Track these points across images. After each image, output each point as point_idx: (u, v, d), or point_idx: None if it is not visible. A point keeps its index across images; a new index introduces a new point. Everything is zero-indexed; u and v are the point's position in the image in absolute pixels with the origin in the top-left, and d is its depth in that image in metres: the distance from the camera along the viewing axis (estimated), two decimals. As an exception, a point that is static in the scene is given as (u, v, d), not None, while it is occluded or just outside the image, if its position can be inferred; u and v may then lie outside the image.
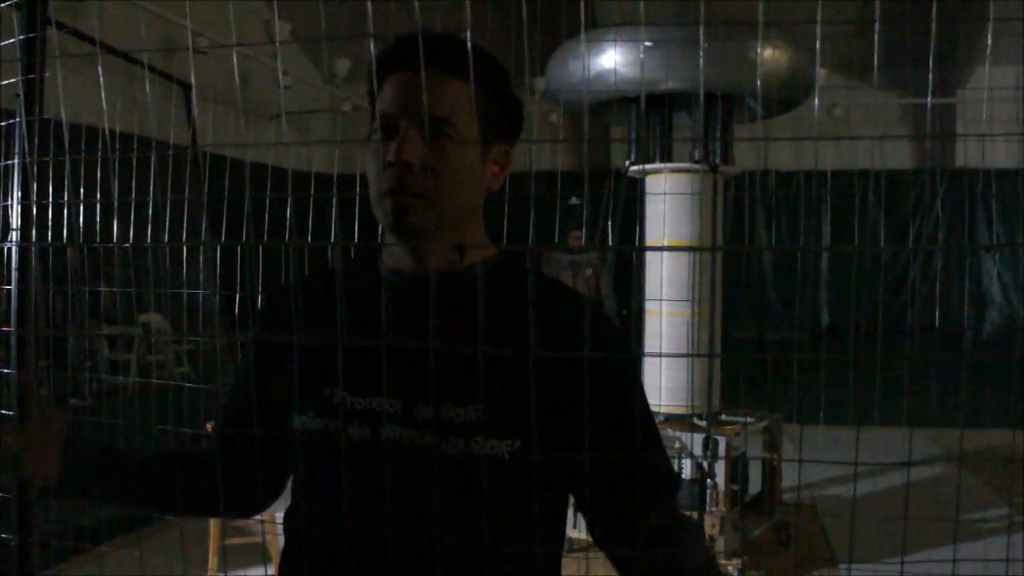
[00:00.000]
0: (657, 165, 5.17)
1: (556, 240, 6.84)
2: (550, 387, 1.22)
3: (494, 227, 1.38)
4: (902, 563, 1.01)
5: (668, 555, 1.26)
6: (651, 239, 5.21)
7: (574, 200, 7.02)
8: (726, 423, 5.05)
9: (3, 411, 1.45)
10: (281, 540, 1.41)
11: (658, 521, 1.29)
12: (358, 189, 1.33)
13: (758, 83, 4.48)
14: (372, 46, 1.24)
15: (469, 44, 1.18)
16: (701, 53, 4.45)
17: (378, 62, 1.28)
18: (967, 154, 12.96)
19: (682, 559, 1.28)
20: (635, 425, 1.25)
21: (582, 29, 5.10)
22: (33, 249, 1.64)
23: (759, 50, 4.75)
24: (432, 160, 1.23)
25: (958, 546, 4.59)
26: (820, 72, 5.67)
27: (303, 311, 1.33)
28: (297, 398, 1.32)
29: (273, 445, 1.33)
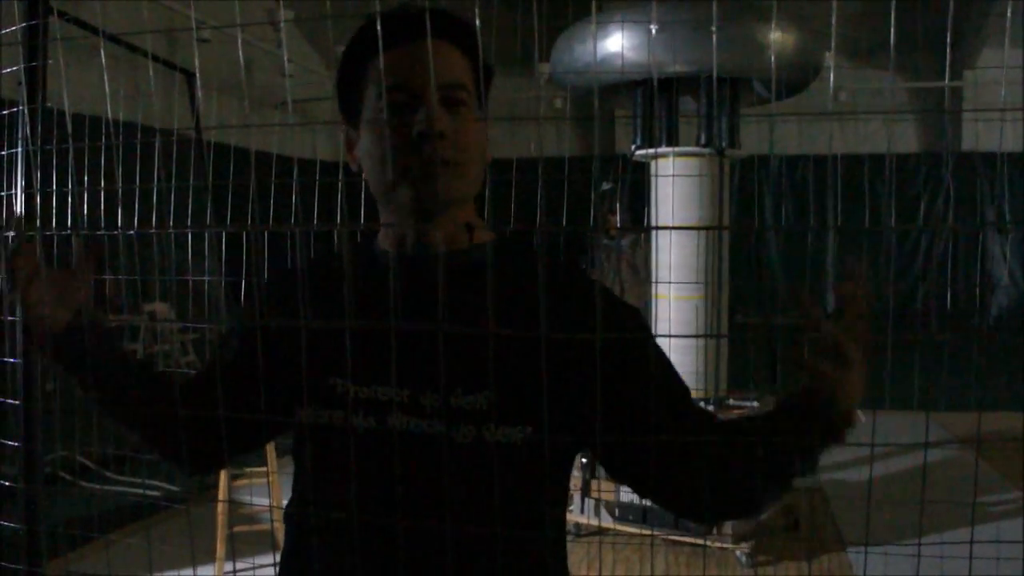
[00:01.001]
0: (664, 149, 5.15)
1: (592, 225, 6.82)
2: (562, 369, 1.19)
3: (503, 211, 1.36)
4: (919, 545, 1.00)
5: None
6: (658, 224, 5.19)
7: (606, 185, 6.96)
8: (733, 407, 5.05)
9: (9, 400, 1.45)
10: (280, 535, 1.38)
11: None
12: (362, 174, 1.31)
13: (772, 62, 4.45)
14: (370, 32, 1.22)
15: (476, 18, 1.18)
16: (714, 35, 4.42)
17: (364, 41, 1.23)
18: (978, 136, 12.90)
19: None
20: (654, 382, 1.22)
21: (593, 10, 5.06)
22: (37, 238, 1.63)
23: (773, 32, 4.73)
24: (456, 129, 1.20)
25: (978, 528, 4.58)
26: (827, 56, 5.63)
27: (303, 299, 1.30)
28: (296, 388, 1.27)
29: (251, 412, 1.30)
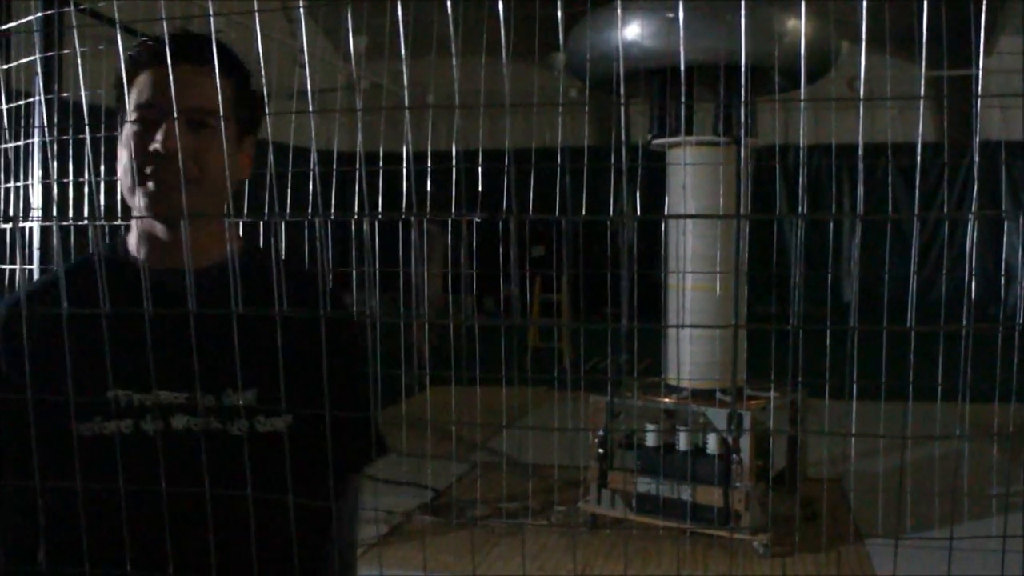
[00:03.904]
0: (680, 138, 5.12)
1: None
2: (298, 365, 1.31)
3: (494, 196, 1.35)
4: (951, 539, 0.98)
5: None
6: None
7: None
8: (751, 398, 5.03)
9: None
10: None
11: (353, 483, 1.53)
12: (380, 164, 1.31)
13: (801, 50, 4.42)
14: (396, 18, 1.21)
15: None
16: (742, 23, 4.39)
17: (130, 60, 1.35)
18: (999, 124, 12.80)
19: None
20: (355, 391, 1.48)
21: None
22: (54, 227, 1.62)
23: (790, 20, 4.69)
24: (196, 148, 1.33)
25: (987, 521, 4.55)
26: (843, 45, 5.59)
27: (64, 316, 1.30)
28: (74, 405, 1.27)
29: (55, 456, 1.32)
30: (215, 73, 1.28)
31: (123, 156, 1.35)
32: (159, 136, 1.31)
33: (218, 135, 1.35)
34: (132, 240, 1.44)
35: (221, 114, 1.32)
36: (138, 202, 1.34)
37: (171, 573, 1.30)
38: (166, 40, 1.31)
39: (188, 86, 1.30)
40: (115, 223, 1.61)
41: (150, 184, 1.32)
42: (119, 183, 1.39)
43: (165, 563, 1.29)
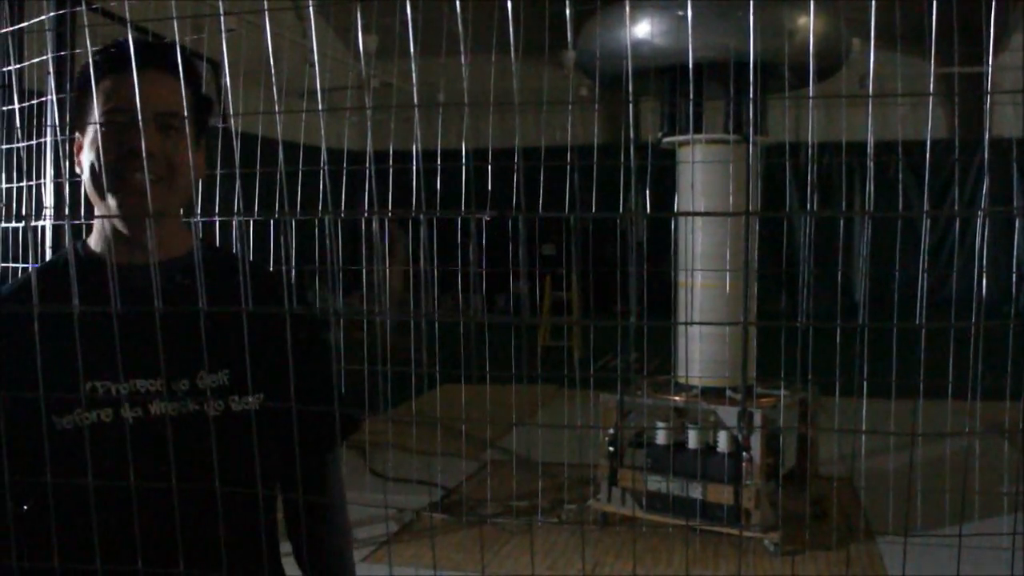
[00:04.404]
0: (689, 136, 5.11)
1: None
2: (265, 347, 1.44)
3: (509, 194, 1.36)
4: (960, 536, 0.98)
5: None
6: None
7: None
8: (761, 396, 5.02)
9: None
10: None
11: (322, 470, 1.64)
12: (390, 162, 1.31)
13: (810, 47, 4.41)
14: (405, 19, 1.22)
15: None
16: (751, 20, 4.39)
17: (96, 64, 1.40)
18: (1011, 120, 12.74)
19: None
20: (316, 377, 1.56)
21: None
22: (67, 226, 1.64)
23: (800, 17, 4.68)
24: (166, 149, 1.39)
25: (998, 519, 4.53)
26: (855, 42, 5.58)
27: (36, 315, 1.34)
28: (52, 401, 1.35)
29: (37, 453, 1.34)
30: (176, 78, 1.36)
31: (89, 157, 1.41)
32: (142, 138, 1.35)
33: (183, 137, 1.42)
34: (93, 240, 1.51)
35: (184, 118, 1.40)
36: (110, 202, 1.40)
37: (159, 552, 1.34)
38: (127, 45, 1.35)
39: (155, 90, 1.38)
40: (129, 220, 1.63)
41: (127, 186, 1.38)
42: (83, 184, 1.44)
43: (152, 543, 1.33)
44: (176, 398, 1.42)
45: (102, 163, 1.39)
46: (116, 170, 1.38)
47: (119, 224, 1.44)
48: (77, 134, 1.46)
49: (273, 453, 1.50)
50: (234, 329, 1.36)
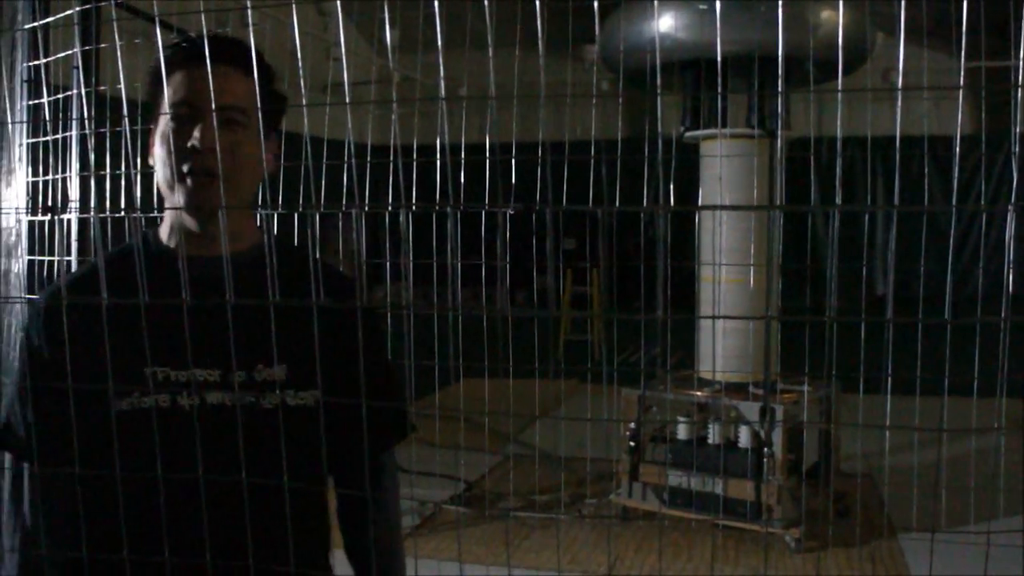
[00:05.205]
0: (713, 130, 5.10)
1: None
2: (326, 346, 1.42)
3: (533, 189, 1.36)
4: (989, 532, 0.97)
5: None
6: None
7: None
8: (784, 391, 5.00)
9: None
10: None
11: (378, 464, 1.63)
12: (414, 156, 1.32)
13: (839, 40, 4.39)
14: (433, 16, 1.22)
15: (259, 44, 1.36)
16: (779, 14, 4.37)
17: (165, 59, 1.41)
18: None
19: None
20: (376, 375, 1.57)
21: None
22: (93, 219, 1.65)
23: (824, 11, 4.65)
24: (227, 145, 1.39)
25: (1019, 518, 4.50)
26: (878, 36, 5.54)
27: (104, 301, 1.38)
28: (112, 384, 1.37)
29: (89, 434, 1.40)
30: (246, 73, 1.38)
31: (161, 151, 1.43)
32: (196, 133, 1.38)
33: (248, 132, 1.44)
34: (164, 230, 1.53)
35: (258, 108, 1.40)
36: (176, 197, 1.42)
37: (207, 540, 1.35)
38: (199, 40, 1.37)
39: (221, 85, 1.37)
40: (151, 215, 1.65)
41: (188, 180, 1.40)
42: (155, 176, 1.46)
43: (195, 530, 1.34)
44: (232, 389, 1.44)
45: (166, 156, 1.41)
46: (179, 165, 1.40)
47: (185, 216, 1.46)
48: (152, 125, 1.48)
49: (330, 448, 1.51)
50: (295, 324, 1.43)
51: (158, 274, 1.41)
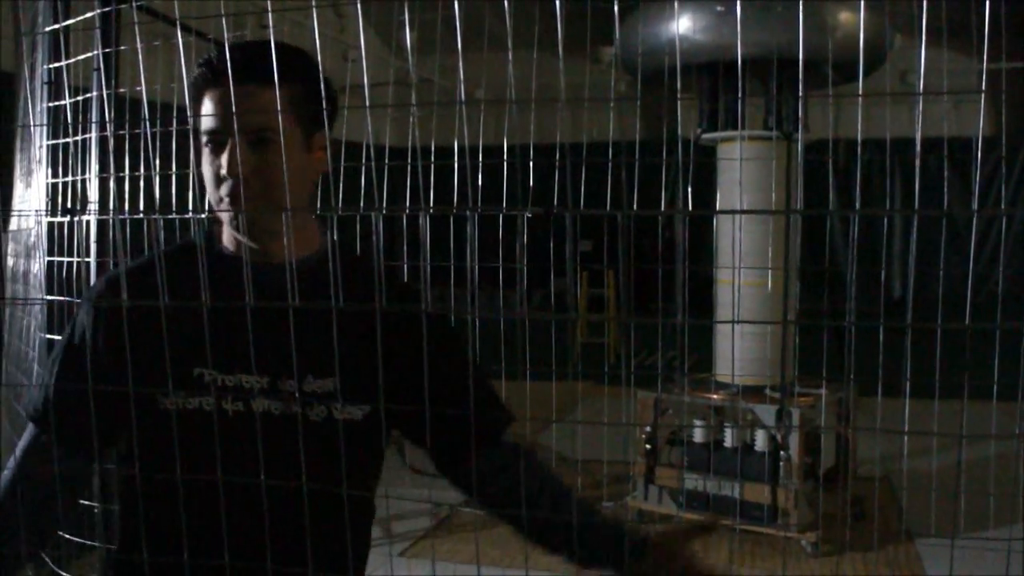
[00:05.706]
0: (730, 133, 5.08)
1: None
2: (388, 358, 1.43)
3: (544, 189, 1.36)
4: (1010, 540, 0.97)
5: (508, 479, 1.58)
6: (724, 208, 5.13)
7: None
8: (801, 395, 4.98)
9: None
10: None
11: (494, 452, 1.59)
12: (432, 158, 1.32)
13: (860, 43, 4.37)
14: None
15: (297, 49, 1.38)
16: (800, 17, 4.36)
17: (195, 79, 1.41)
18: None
19: (525, 482, 1.58)
20: (465, 378, 1.52)
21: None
22: (112, 221, 1.65)
23: (842, 13, 4.63)
24: (259, 165, 1.37)
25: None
26: (896, 37, 5.52)
27: (161, 293, 1.38)
28: (158, 381, 1.38)
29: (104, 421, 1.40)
30: (277, 84, 1.34)
31: (205, 173, 1.42)
32: (223, 160, 1.37)
33: (279, 149, 1.38)
34: (225, 234, 1.52)
35: (274, 127, 1.36)
36: (222, 214, 1.43)
37: (236, 545, 1.35)
38: (225, 55, 1.33)
39: (250, 105, 1.35)
40: (171, 216, 1.65)
41: (223, 205, 1.40)
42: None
43: (232, 535, 1.34)
44: (279, 398, 1.43)
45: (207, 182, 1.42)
46: (214, 191, 1.41)
47: (240, 235, 1.45)
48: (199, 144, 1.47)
49: (371, 464, 1.54)
50: (355, 335, 1.41)
51: (218, 276, 1.41)
